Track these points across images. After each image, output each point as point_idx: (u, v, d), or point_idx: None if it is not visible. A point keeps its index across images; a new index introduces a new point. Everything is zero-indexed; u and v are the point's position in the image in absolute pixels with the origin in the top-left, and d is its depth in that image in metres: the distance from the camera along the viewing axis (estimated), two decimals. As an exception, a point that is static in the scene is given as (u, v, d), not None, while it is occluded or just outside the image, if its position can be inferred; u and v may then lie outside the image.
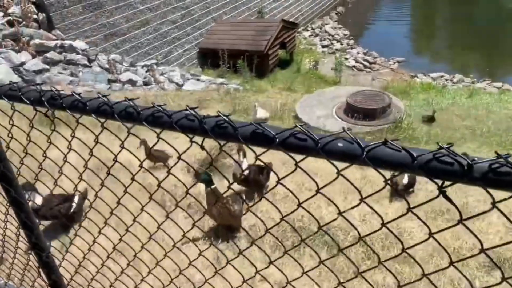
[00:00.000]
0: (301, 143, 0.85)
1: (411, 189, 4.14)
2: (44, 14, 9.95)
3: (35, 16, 9.68)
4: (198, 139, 0.99)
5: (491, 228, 3.60)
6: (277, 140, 0.86)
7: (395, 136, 6.48)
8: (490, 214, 3.77)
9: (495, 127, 8.10)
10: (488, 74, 16.67)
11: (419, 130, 7.21)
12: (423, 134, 7.04)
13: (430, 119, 7.61)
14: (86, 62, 9.18)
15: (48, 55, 8.71)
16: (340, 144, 0.82)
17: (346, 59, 18.14)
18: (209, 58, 14.50)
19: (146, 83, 9.65)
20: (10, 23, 9.01)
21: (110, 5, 11.60)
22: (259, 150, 0.94)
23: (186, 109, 0.97)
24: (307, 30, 22.51)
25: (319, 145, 0.84)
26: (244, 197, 3.33)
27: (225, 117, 0.92)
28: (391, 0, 29.57)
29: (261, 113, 6.12)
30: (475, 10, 25.48)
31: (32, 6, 9.78)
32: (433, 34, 22.27)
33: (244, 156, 3.97)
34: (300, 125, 0.87)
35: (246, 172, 3.73)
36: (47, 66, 8.42)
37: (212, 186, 2.93)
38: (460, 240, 3.36)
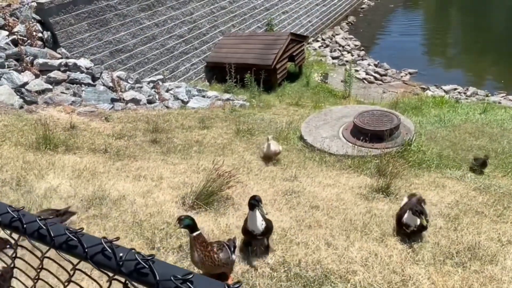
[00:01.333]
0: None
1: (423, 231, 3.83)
2: (49, 32, 9.94)
3: (40, 35, 9.67)
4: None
5: (505, 273, 3.32)
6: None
7: (403, 161, 6.22)
8: (504, 257, 3.50)
9: (510, 147, 7.77)
10: (503, 86, 16.25)
11: (429, 152, 6.92)
12: (434, 157, 6.75)
13: (482, 164, 6.31)
14: (90, 81, 9.11)
15: (51, 74, 8.66)
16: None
17: (357, 71, 17.91)
18: (216, 72, 14.39)
19: (150, 101, 9.53)
20: (15, 42, 9.00)
21: (116, 22, 11.58)
22: None
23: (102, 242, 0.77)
24: (317, 41, 22.35)
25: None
26: (234, 243, 3.12)
27: (145, 264, 0.71)
28: (403, 10, 29.30)
29: (274, 146, 5.98)
30: (489, 20, 25.05)
31: (37, 24, 9.78)
32: (446, 45, 21.91)
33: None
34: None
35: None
36: (50, 86, 8.36)
37: (196, 233, 2.73)
38: (471, 290, 3.10)
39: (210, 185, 4.32)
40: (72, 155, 5.66)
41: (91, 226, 3.71)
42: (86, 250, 0.77)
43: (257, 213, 3.19)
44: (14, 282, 1.31)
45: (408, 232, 3.69)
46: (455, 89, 15.89)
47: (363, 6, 29.04)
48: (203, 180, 4.46)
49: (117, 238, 0.79)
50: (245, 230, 3.32)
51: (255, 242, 3.46)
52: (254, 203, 3.14)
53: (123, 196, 4.34)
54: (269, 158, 6.08)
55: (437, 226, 4.10)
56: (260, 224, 3.24)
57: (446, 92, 15.45)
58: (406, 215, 3.67)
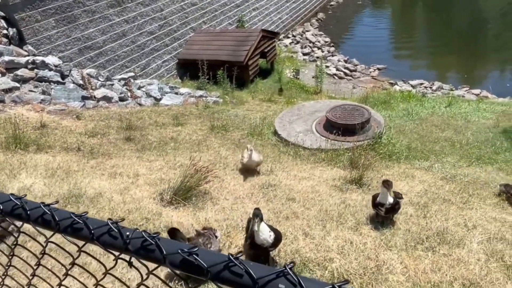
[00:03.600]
0: (237, 279, 0.71)
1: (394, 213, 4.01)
2: (14, 29, 9.65)
3: (5, 32, 9.37)
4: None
5: (471, 256, 3.52)
6: (210, 273, 0.72)
7: (374, 153, 6.42)
8: (470, 241, 3.71)
9: (474, 138, 8.13)
10: (466, 80, 16.91)
11: (399, 145, 7.16)
12: (403, 149, 7.00)
13: None
14: (59, 79, 8.91)
15: (18, 72, 8.42)
16: (281, 286, 0.68)
17: (327, 67, 18.17)
18: (188, 69, 14.33)
19: (122, 99, 9.41)
20: (-21, 40, 8.70)
21: (84, 18, 11.35)
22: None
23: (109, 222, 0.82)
24: (288, 38, 22.52)
25: (256, 286, 0.69)
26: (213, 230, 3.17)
27: (152, 240, 0.77)
28: (371, 8, 29.90)
29: (256, 156, 5.27)
30: (452, 16, 25.90)
31: (2, 21, 9.47)
32: (413, 41, 22.54)
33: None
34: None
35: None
36: (17, 84, 8.13)
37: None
38: (441, 272, 3.27)
39: (187, 180, 4.35)
40: (44, 154, 5.55)
41: (68, 224, 3.68)
42: (93, 231, 0.82)
43: (263, 224, 2.90)
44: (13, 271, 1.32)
45: (383, 211, 3.85)
46: (422, 84, 16.40)
47: (332, 3, 29.45)
48: (180, 176, 4.49)
49: (123, 219, 0.84)
50: (253, 244, 2.96)
51: (263, 257, 3.10)
52: (257, 212, 2.87)
53: (100, 193, 4.31)
54: (250, 169, 5.44)
55: (408, 214, 4.28)
56: (269, 236, 2.91)
57: (413, 86, 15.94)
58: (379, 195, 3.85)
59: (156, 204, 4.24)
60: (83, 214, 0.87)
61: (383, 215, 3.95)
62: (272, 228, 3.02)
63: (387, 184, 3.82)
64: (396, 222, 4.05)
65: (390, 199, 3.82)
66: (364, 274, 3.20)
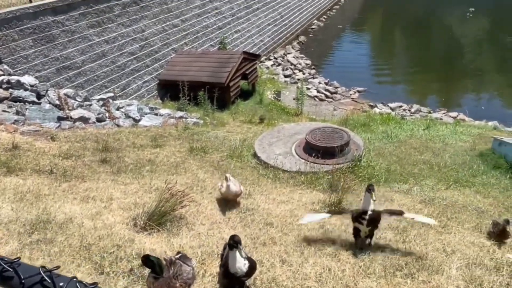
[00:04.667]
0: None
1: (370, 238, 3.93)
2: (-10, 48, 9.46)
3: (-21, 50, 9.18)
4: None
5: (450, 283, 3.47)
6: None
7: (354, 176, 6.41)
8: (449, 267, 3.66)
9: (452, 161, 8.23)
10: (444, 103, 17.30)
11: (378, 168, 7.19)
12: (382, 172, 7.02)
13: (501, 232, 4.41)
14: (34, 99, 8.72)
15: (-8, 92, 8.21)
16: None
17: (308, 89, 18.38)
18: (169, 90, 14.26)
19: (100, 120, 9.25)
20: (-49, 58, 8.48)
21: (63, 38, 11.23)
22: None
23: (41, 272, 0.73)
24: (270, 60, 22.80)
25: None
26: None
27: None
28: (351, 31, 30.62)
29: (235, 186, 4.85)
30: (431, 40, 26.71)
31: (-23, 39, 9.29)
32: (392, 64, 23.14)
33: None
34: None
35: None
36: (-10, 104, 7.92)
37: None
38: (419, 300, 3.21)
39: (163, 205, 4.23)
40: (14, 177, 5.34)
41: (34, 252, 3.50)
42: (23, 281, 0.72)
43: (237, 252, 2.83)
44: None
45: (365, 221, 3.71)
46: (401, 106, 16.70)
47: (313, 26, 30.08)
48: (155, 200, 4.36)
49: (57, 267, 0.74)
50: (226, 273, 2.90)
51: (237, 286, 3.01)
52: (233, 244, 2.80)
53: (70, 219, 4.14)
54: (228, 200, 5.07)
55: (386, 239, 4.23)
56: (243, 264, 2.85)
57: (392, 109, 16.20)
58: (362, 202, 3.78)
59: (129, 230, 4.09)
60: (15, 260, 0.77)
61: (365, 229, 3.82)
62: (247, 257, 2.93)
63: (370, 188, 3.71)
64: (375, 247, 3.99)
65: (372, 207, 3.73)
66: (342, 303, 3.11)
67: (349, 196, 5.46)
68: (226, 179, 4.91)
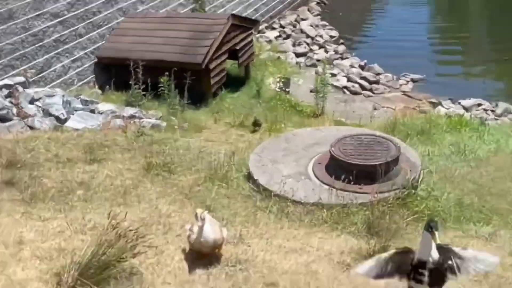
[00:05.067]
0: None
1: None
2: None
3: None
4: None
5: None
6: None
7: (406, 212, 6.43)
8: None
9: None
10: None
11: (444, 199, 7.21)
12: (451, 207, 7.05)
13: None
14: None
15: None
16: None
17: (334, 75, 18.48)
18: (114, 74, 14.31)
19: (3, 118, 9.29)
20: None
21: None
22: None
23: None
24: (274, 29, 22.85)
25: None
26: None
27: None
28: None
29: (212, 232, 4.60)
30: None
31: None
32: (467, 41, 22.96)
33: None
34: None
35: None
36: None
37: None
38: None
39: (104, 252, 4.24)
40: None
41: None
42: None
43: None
44: None
45: (425, 277, 3.67)
46: (480, 104, 16.77)
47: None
48: (92, 244, 4.38)
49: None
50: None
51: None
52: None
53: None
54: (203, 252, 4.82)
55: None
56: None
57: (467, 109, 16.25)
58: (419, 249, 3.71)
59: (49, 291, 4.11)
60: None
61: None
62: None
63: (431, 226, 3.67)
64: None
65: (435, 254, 3.68)
66: None
67: (398, 242, 5.49)
68: (198, 217, 4.64)
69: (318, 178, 7.50)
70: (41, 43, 13.34)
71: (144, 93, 12.86)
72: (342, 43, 22.22)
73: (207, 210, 5.26)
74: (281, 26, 23.12)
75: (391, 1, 28.26)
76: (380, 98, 17.64)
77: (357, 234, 5.99)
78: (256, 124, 12.68)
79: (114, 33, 15.36)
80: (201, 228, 4.56)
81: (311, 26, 23.34)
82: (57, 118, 10.14)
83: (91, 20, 14.84)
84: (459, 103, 16.91)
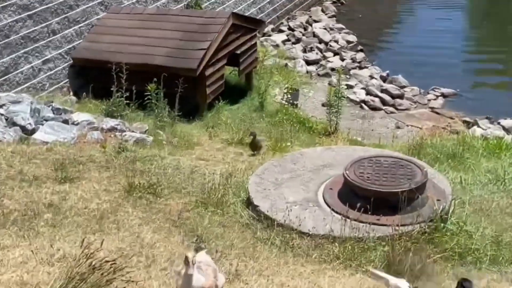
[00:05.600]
0: None
1: None
2: None
3: None
4: None
5: None
6: None
7: (433, 249, 6.40)
8: None
9: None
10: None
11: (479, 235, 7.17)
12: (486, 245, 7.01)
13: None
14: None
15: None
16: None
17: (350, 87, 18.55)
18: (92, 79, 14.35)
19: (-41, 128, 9.30)
20: None
21: None
22: None
23: None
24: (281, 31, 22.99)
25: None
26: None
27: None
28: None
29: (200, 280, 4.30)
30: None
31: None
32: (507, 51, 22.97)
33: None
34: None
35: None
36: None
37: None
38: None
39: (75, 286, 4.24)
40: None
41: None
42: None
43: None
44: None
45: None
46: (523, 125, 16.77)
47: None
48: (60, 278, 4.36)
49: None
50: None
51: None
52: None
53: None
54: None
55: None
56: None
57: (507, 130, 16.24)
58: None
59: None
60: None
61: None
62: None
63: (463, 286, 3.69)
64: None
65: None
66: None
67: (423, 285, 5.46)
68: (188, 262, 4.26)
69: (329, 206, 7.49)
70: (6, 40, 13.35)
71: (127, 102, 12.83)
72: (360, 50, 22.29)
73: (202, 249, 4.99)
74: (290, 29, 23.24)
75: (420, 2, 28.29)
76: (404, 115, 17.63)
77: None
78: (255, 147, 11.78)
79: (93, 30, 15.41)
80: (189, 277, 4.24)
81: (325, 29, 23.44)
82: (23, 129, 10.13)
83: (67, 14, 14.86)
84: (499, 123, 16.92)
